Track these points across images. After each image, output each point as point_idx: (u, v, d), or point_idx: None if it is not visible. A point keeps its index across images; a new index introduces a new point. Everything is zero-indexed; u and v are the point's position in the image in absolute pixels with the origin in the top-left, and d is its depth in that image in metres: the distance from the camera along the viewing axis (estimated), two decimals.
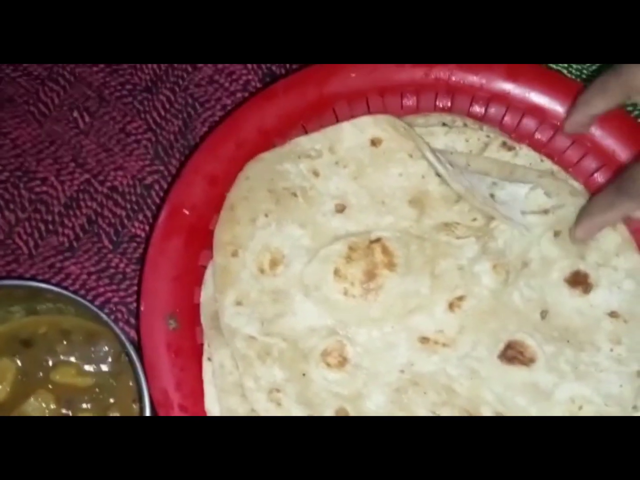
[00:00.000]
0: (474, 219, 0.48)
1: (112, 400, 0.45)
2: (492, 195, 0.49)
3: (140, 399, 0.42)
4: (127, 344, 0.42)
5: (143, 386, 0.42)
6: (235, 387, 0.44)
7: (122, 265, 0.52)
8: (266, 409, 0.44)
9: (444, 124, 0.51)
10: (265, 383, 0.44)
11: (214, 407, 0.44)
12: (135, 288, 0.51)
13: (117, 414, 0.44)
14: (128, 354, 0.42)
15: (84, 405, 0.45)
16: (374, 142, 0.49)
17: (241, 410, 0.44)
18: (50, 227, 0.53)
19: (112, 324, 0.42)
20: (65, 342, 0.46)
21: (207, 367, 0.44)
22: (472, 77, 0.51)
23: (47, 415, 0.44)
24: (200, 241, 0.48)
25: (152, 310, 0.46)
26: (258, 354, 0.45)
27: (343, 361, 0.46)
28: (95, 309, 0.43)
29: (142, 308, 0.45)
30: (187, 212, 0.48)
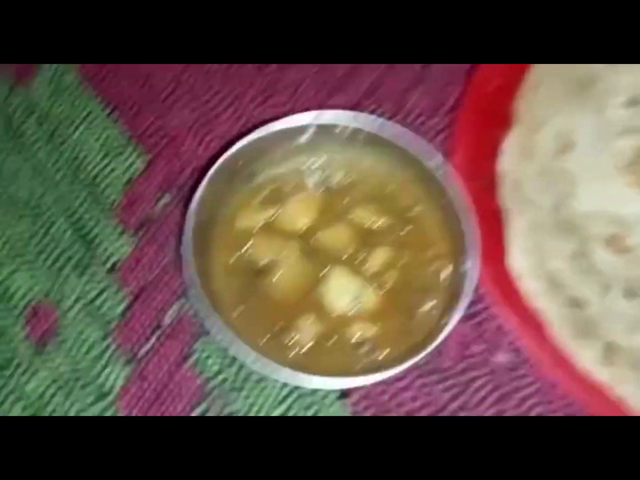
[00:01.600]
0: None
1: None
2: None
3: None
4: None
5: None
6: (537, 247, 0.46)
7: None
8: (569, 271, 0.46)
9: None
10: (566, 248, 0.46)
11: (517, 262, 0.46)
12: None
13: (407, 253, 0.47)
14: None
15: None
16: None
17: (543, 269, 0.46)
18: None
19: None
20: (360, 188, 0.48)
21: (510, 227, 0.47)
22: None
23: (341, 245, 0.46)
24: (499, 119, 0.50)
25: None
26: (552, 226, 0.47)
27: (624, 249, 0.47)
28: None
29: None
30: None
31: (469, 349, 0.47)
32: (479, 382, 0.46)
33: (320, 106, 0.54)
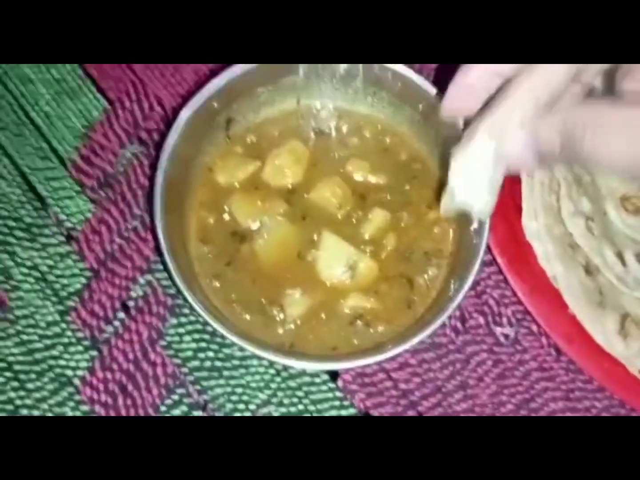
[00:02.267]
0: None
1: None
2: None
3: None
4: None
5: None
6: (551, 208, 0.42)
7: None
8: (583, 234, 0.41)
9: None
10: (580, 210, 0.42)
11: (531, 223, 0.42)
12: None
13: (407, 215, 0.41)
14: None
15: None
16: None
17: (557, 231, 0.42)
18: None
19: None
20: (356, 137, 0.43)
21: (526, 184, 0.42)
22: None
23: (334, 204, 0.41)
24: None
25: None
26: (574, 179, 0.43)
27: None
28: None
29: None
30: None
31: (469, 320, 0.43)
32: (478, 358, 0.42)
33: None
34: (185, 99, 0.45)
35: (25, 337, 0.41)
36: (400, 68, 0.40)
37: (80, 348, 0.41)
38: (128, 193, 0.44)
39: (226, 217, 0.41)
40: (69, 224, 0.43)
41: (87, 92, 0.45)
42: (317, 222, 0.41)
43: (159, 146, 0.44)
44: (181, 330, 0.42)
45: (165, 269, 0.39)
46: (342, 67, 0.41)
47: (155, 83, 0.46)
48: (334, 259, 0.40)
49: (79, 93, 0.45)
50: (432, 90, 0.39)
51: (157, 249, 0.38)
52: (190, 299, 0.36)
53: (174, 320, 0.42)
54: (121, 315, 0.42)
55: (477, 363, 0.42)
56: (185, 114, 0.39)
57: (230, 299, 0.39)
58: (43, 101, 0.45)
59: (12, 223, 0.43)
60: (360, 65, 0.41)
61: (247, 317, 0.39)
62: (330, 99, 0.43)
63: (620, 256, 0.42)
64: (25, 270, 0.42)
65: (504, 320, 0.43)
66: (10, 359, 0.41)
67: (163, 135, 0.44)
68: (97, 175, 0.44)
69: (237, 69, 0.40)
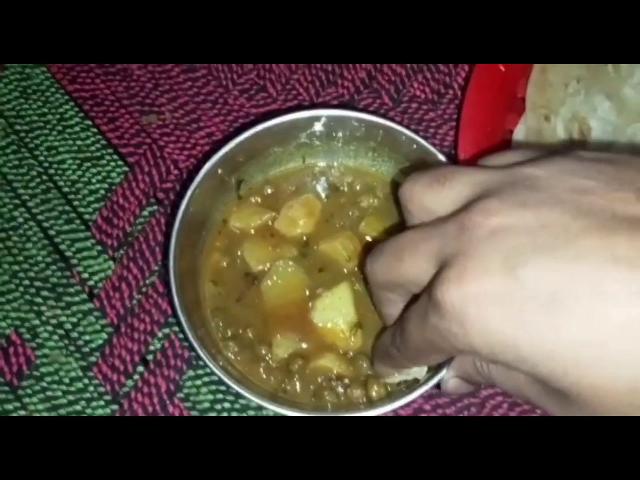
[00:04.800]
0: None
1: None
2: None
3: None
4: None
5: None
6: None
7: (404, 123, 0.49)
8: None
9: None
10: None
11: None
12: None
13: None
14: None
15: None
16: None
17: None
18: (331, 77, 0.51)
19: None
20: (370, 197, 0.44)
21: None
22: None
23: (344, 256, 0.42)
24: (507, 103, 0.46)
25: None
26: None
27: None
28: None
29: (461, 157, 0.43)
30: (502, 69, 0.45)
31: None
32: (493, 402, 0.42)
33: (312, 100, 0.50)
34: (199, 160, 0.48)
35: (50, 394, 0.42)
36: (409, 134, 0.41)
37: (101, 402, 0.42)
38: (146, 250, 0.46)
39: (239, 261, 0.43)
40: (91, 282, 0.45)
41: (109, 159, 0.48)
42: (324, 273, 0.42)
43: (175, 205, 0.46)
44: (198, 382, 0.43)
45: (181, 329, 0.41)
46: (356, 128, 0.43)
47: (171, 147, 0.49)
48: (336, 315, 0.41)
49: (101, 159, 0.48)
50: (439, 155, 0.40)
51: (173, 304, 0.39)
52: (209, 362, 0.36)
53: (191, 372, 0.43)
54: (140, 368, 0.43)
55: (493, 407, 0.42)
56: (200, 176, 0.40)
57: (227, 336, 0.40)
58: (69, 169, 0.48)
59: (39, 284, 0.45)
60: (373, 129, 0.42)
61: (240, 352, 0.40)
62: (343, 156, 0.45)
63: None
64: (50, 329, 0.44)
65: None
66: (36, 415, 0.42)
67: (179, 195, 0.47)
68: (117, 234, 0.46)
69: (244, 136, 0.41)
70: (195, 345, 0.37)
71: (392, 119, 0.45)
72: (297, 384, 0.40)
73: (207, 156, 0.43)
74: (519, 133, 0.45)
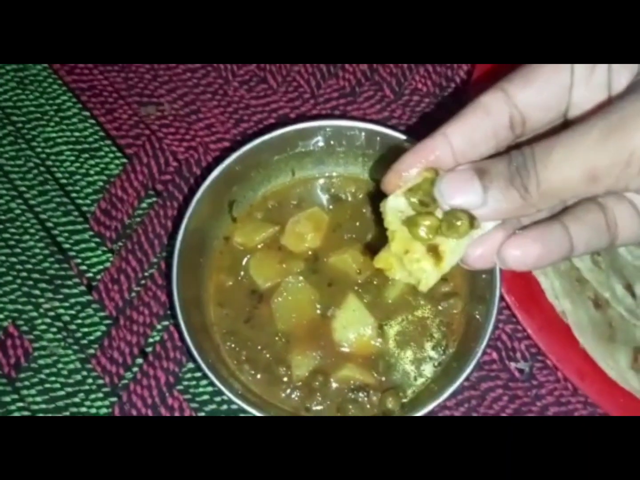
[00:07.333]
0: None
1: None
2: None
3: None
4: None
5: None
6: None
7: (404, 117, 0.49)
8: (590, 268, 0.42)
9: None
10: None
11: None
12: None
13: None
14: None
15: None
16: None
17: (563, 267, 0.42)
18: (332, 69, 0.50)
19: None
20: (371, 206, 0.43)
21: None
22: None
23: (355, 269, 0.41)
24: None
25: None
26: None
27: None
28: None
29: None
30: None
31: (482, 356, 0.43)
32: (494, 394, 0.42)
33: (313, 92, 0.50)
34: (202, 150, 0.48)
35: (48, 386, 0.42)
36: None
37: (100, 395, 0.42)
38: (145, 242, 0.45)
39: (244, 279, 0.41)
40: (89, 275, 0.45)
41: (107, 150, 0.48)
42: (335, 288, 0.41)
43: (173, 197, 0.46)
44: (197, 374, 0.42)
45: (178, 330, 0.41)
46: (362, 138, 0.42)
47: (170, 138, 0.48)
48: (351, 327, 0.40)
49: (99, 151, 0.48)
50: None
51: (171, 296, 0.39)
52: (202, 363, 0.36)
53: (190, 364, 0.43)
54: (139, 361, 0.43)
55: (493, 399, 0.42)
56: (205, 186, 0.40)
57: (241, 359, 0.40)
58: (66, 161, 0.48)
59: (36, 275, 0.45)
60: (379, 139, 0.41)
61: (257, 375, 0.40)
62: (350, 166, 0.44)
63: (629, 289, 0.42)
64: (48, 321, 0.43)
65: (518, 355, 0.43)
66: (34, 407, 0.42)
67: (178, 187, 0.47)
68: (116, 226, 0.46)
69: (232, 158, 0.40)
70: (211, 376, 0.36)
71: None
72: (320, 400, 0.39)
73: (205, 148, 0.42)
74: None
